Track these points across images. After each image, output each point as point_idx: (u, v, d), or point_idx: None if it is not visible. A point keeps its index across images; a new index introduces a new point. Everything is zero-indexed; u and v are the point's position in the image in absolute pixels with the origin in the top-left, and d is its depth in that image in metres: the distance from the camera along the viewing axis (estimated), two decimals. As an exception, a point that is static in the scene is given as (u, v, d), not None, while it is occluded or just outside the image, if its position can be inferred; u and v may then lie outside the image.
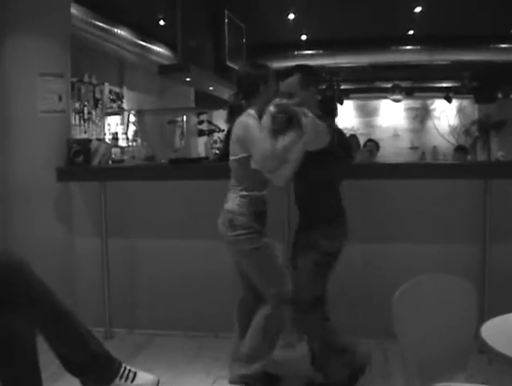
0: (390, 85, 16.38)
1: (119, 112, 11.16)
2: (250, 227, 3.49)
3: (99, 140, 6.69)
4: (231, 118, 3.64)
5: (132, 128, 10.89)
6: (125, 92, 11.78)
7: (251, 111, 3.48)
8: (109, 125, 10.82)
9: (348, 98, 16.77)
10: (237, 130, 3.52)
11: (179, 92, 12.12)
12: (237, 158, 3.54)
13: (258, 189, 3.55)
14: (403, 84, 16.34)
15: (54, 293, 2.73)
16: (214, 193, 3.81)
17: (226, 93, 12.19)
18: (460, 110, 16.60)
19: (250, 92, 3.56)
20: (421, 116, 16.89)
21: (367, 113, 17.20)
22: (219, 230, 3.58)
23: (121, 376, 2.82)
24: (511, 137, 13.77)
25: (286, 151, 3.37)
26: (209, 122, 12.97)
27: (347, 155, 3.81)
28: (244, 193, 3.52)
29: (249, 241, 3.49)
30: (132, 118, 11.10)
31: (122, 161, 6.89)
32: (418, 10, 11.02)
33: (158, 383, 2.94)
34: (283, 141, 3.42)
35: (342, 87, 15.98)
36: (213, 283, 4.75)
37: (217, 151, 12.01)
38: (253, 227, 3.49)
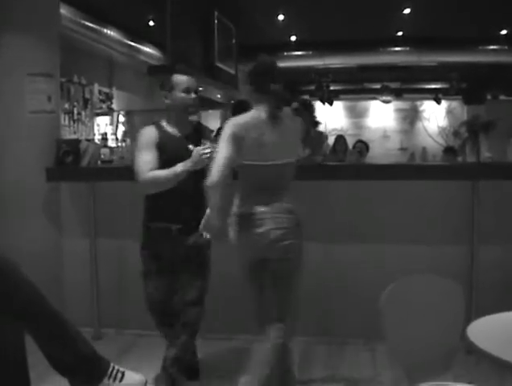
0: (379, 86, 16.43)
1: (108, 112, 11.14)
2: None
3: (88, 140, 6.68)
4: None
5: (121, 128, 10.86)
6: (115, 92, 11.77)
7: None
8: (98, 125, 10.79)
9: (337, 99, 16.80)
10: None
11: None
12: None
13: None
14: (392, 86, 16.40)
15: (42, 294, 2.72)
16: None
17: (216, 94, 12.16)
18: (449, 111, 16.66)
19: None
20: (410, 117, 16.94)
21: (356, 114, 17.23)
22: (274, 233, 3.15)
23: (110, 376, 2.81)
24: (500, 139, 13.81)
25: None
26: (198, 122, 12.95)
27: None
28: None
29: None
30: (121, 119, 11.08)
31: (111, 161, 6.86)
32: (406, 11, 11.07)
33: (146, 383, 2.93)
34: None
35: (331, 88, 16.01)
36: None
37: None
38: None
